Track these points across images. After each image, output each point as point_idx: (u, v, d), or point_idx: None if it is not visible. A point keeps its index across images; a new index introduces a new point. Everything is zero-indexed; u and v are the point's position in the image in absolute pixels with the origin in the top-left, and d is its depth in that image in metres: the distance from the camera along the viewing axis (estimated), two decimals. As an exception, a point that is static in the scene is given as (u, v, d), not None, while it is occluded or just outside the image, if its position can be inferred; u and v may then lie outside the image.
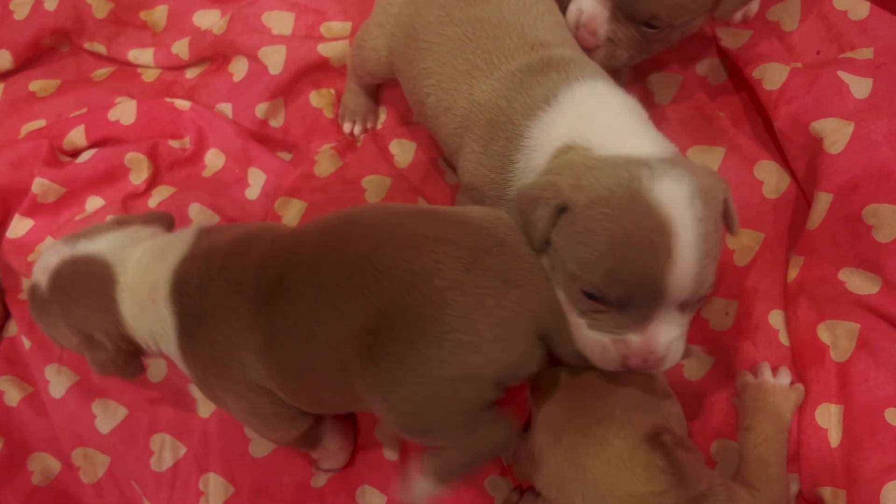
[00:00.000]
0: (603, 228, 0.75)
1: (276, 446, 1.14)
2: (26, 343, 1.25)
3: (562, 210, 0.78)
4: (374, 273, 0.80)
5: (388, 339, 0.80)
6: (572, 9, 1.04)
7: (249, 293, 0.87)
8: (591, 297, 0.77)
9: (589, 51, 1.03)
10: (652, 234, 0.73)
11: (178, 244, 0.94)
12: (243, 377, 0.91)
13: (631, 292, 0.76)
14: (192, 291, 0.90)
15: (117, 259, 0.95)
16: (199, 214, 1.29)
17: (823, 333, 1.04)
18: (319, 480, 1.13)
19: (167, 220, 1.05)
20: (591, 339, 0.80)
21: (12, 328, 1.30)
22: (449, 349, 0.78)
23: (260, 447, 1.15)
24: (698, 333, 1.12)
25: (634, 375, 0.84)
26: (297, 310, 0.85)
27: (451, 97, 0.99)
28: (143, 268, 0.93)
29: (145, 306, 0.92)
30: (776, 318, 1.10)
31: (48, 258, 0.97)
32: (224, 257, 0.90)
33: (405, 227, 0.84)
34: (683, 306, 0.78)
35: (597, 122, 0.87)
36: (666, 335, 0.78)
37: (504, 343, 0.80)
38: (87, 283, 0.94)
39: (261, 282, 0.87)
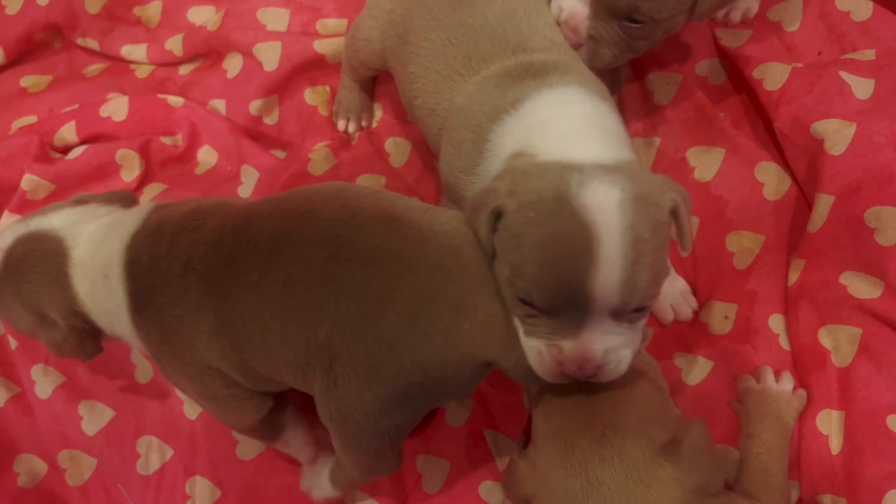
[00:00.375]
0: (530, 234, 0.75)
1: (264, 448, 1.12)
2: (13, 343, 1.23)
3: (498, 215, 0.79)
4: (333, 287, 0.80)
5: (341, 367, 0.81)
6: (553, 7, 1.02)
7: (199, 272, 0.85)
8: (524, 302, 0.77)
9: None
10: (575, 239, 0.73)
11: (130, 219, 0.92)
12: (193, 358, 0.89)
13: (557, 298, 0.75)
14: (143, 268, 0.88)
15: (70, 234, 0.93)
16: None
17: (824, 338, 1.04)
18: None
19: (129, 199, 1.04)
20: (528, 344, 0.80)
21: (-1, 327, 1.29)
22: (394, 389, 0.81)
23: (247, 449, 1.13)
24: (697, 337, 1.11)
25: (645, 384, 0.82)
26: (251, 299, 0.83)
27: (434, 100, 1.01)
28: (95, 242, 0.92)
29: (98, 282, 0.91)
30: (776, 323, 1.09)
31: (3, 238, 0.95)
32: (174, 233, 0.88)
33: (366, 234, 0.81)
34: (619, 315, 0.77)
35: (548, 128, 0.86)
36: (601, 343, 0.77)
37: (448, 382, 0.82)
38: (38, 258, 0.92)
39: (211, 262, 0.85)
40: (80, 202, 1.00)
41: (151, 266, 0.87)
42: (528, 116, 0.89)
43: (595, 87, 0.94)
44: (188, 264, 0.86)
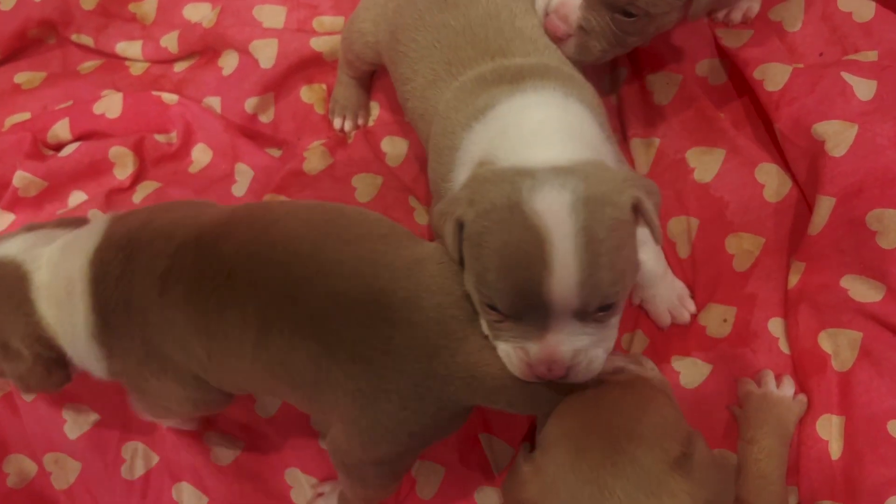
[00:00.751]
0: (487, 242, 0.77)
1: (238, 453, 1.13)
2: None
3: (462, 225, 0.81)
4: (328, 381, 0.82)
5: (342, 432, 0.86)
6: (539, 1, 1.01)
7: (175, 288, 0.85)
8: (490, 308, 0.79)
9: (559, 41, 1.00)
10: (527, 245, 0.74)
11: (90, 235, 0.91)
12: (174, 370, 0.90)
13: (518, 304, 0.77)
14: (111, 283, 0.87)
15: (29, 258, 0.92)
16: None
17: (825, 342, 1.03)
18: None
19: (81, 223, 1.02)
20: (498, 348, 0.82)
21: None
22: (395, 451, 0.86)
23: (221, 455, 1.13)
24: (695, 340, 1.11)
25: (661, 398, 0.82)
26: (244, 365, 0.86)
27: (423, 105, 1.02)
28: (56, 263, 0.91)
29: (63, 303, 0.89)
30: (776, 326, 1.09)
31: None
32: (145, 247, 0.87)
33: (355, 328, 0.81)
34: (584, 316, 0.77)
35: (509, 135, 0.87)
36: (568, 345, 0.78)
37: (445, 429, 0.87)
38: None
39: (182, 277, 0.85)
40: (33, 228, 0.98)
41: (123, 281, 0.87)
42: (493, 123, 0.90)
43: (575, 90, 0.93)
44: (164, 279, 0.85)
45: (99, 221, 0.93)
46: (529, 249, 0.74)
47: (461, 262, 0.83)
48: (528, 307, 0.76)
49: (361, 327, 0.81)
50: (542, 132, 0.86)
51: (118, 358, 0.90)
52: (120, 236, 0.89)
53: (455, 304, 0.83)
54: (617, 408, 0.78)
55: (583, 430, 0.77)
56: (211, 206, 0.95)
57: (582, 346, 0.79)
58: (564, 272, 0.74)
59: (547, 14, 0.99)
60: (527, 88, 0.91)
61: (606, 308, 0.78)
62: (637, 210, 0.80)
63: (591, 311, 0.77)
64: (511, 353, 0.80)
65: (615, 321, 0.83)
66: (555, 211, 0.75)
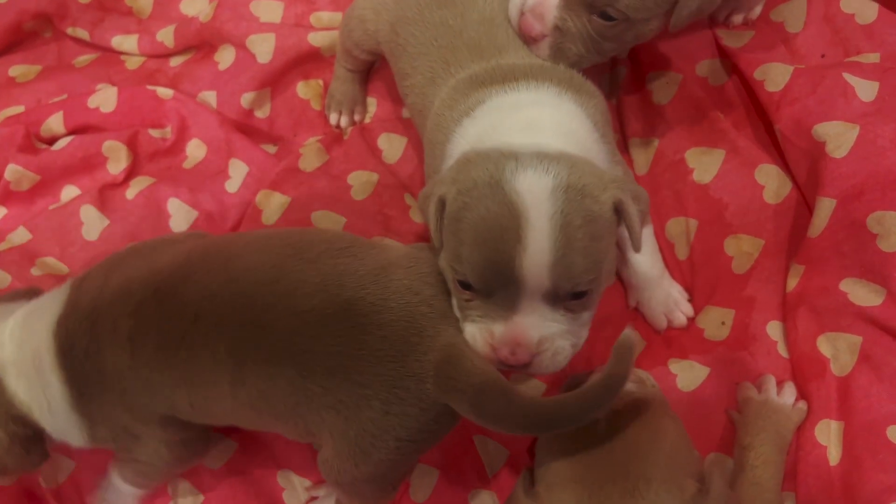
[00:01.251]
0: (465, 218, 0.79)
1: (231, 454, 1.12)
2: None
3: (443, 204, 0.82)
4: (307, 401, 0.83)
5: (330, 451, 0.87)
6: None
7: (145, 347, 0.85)
8: (463, 286, 0.81)
9: (533, 42, 0.97)
10: (504, 220, 0.76)
11: (50, 305, 0.90)
12: (160, 423, 0.91)
13: (489, 277, 0.78)
14: (80, 354, 0.87)
15: None
16: (178, 210, 1.28)
17: (824, 346, 1.03)
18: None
19: (34, 293, 1.01)
20: (465, 330, 0.83)
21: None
22: (388, 461, 0.86)
23: (214, 456, 1.12)
24: (693, 343, 1.10)
25: (668, 424, 0.81)
26: (224, 406, 0.87)
27: (421, 102, 1.03)
28: (19, 339, 0.90)
29: (33, 379, 0.89)
30: (774, 329, 1.09)
31: None
32: (107, 311, 0.87)
33: (326, 343, 0.82)
34: (554, 301, 0.79)
35: (499, 127, 0.88)
36: (536, 329, 0.79)
37: (435, 432, 0.87)
38: None
39: (150, 333, 0.85)
40: None
41: (92, 351, 0.86)
42: (484, 118, 0.91)
43: (570, 91, 0.94)
44: (133, 343, 0.85)
45: (58, 291, 0.93)
46: (506, 224, 0.76)
47: (441, 243, 0.84)
48: (499, 283, 0.78)
49: (332, 338, 0.82)
50: (532, 127, 0.87)
51: (101, 425, 0.91)
52: (81, 304, 0.88)
53: (424, 303, 0.84)
54: (627, 445, 0.77)
55: (597, 475, 0.75)
56: (164, 248, 0.94)
57: (549, 334, 0.80)
58: (538, 249, 0.76)
59: (522, 13, 0.96)
60: (520, 87, 0.93)
61: (579, 296, 0.79)
62: (618, 211, 0.81)
63: (563, 296, 0.79)
64: (477, 334, 0.81)
65: (587, 317, 0.84)
66: (535, 192, 0.77)
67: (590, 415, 0.76)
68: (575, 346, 0.83)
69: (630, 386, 0.86)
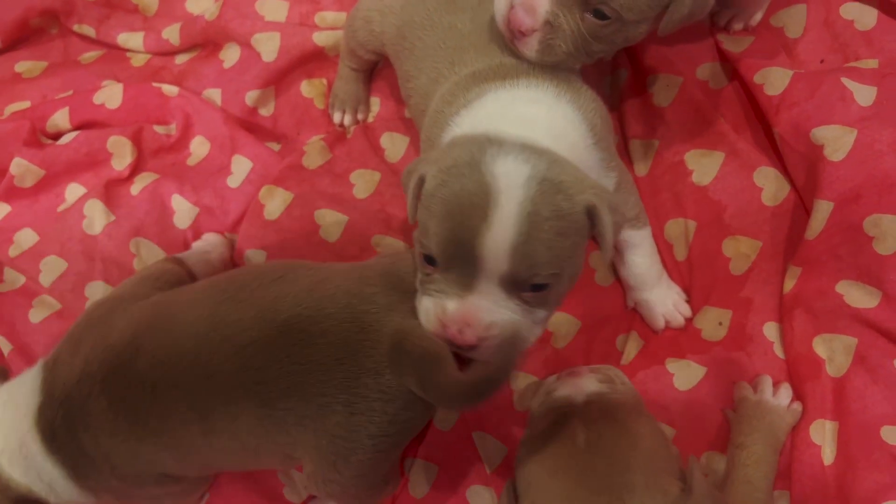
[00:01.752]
0: (440, 193, 0.81)
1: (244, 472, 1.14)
2: (5, 348, 1.24)
3: (422, 181, 0.84)
4: (273, 426, 0.86)
5: (311, 464, 0.89)
6: None
7: (119, 422, 0.88)
8: (426, 259, 0.82)
9: (520, 38, 0.94)
10: (474, 197, 0.78)
11: (28, 393, 0.92)
12: (154, 481, 0.94)
13: (451, 252, 0.79)
14: (63, 438, 0.89)
15: None
16: (181, 206, 1.29)
17: (819, 347, 1.04)
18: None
19: (3, 375, 1.02)
20: (420, 304, 0.84)
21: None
22: (368, 460, 0.87)
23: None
24: (690, 343, 1.11)
25: (646, 426, 0.81)
26: (202, 452, 0.90)
27: (424, 102, 1.03)
28: (3, 430, 0.91)
29: (26, 464, 0.91)
30: (771, 330, 1.09)
31: None
32: (76, 394, 0.89)
33: (276, 367, 0.84)
34: (511, 287, 0.79)
35: (492, 120, 0.89)
36: (487, 312, 0.79)
37: (410, 421, 0.88)
38: None
39: (120, 408, 0.88)
40: None
41: (72, 435, 0.89)
42: (479, 110, 0.92)
43: (569, 93, 0.94)
44: (109, 420, 0.88)
45: (31, 374, 0.94)
46: (476, 202, 0.77)
47: (415, 219, 0.85)
48: (460, 258, 0.79)
49: (279, 362, 0.84)
50: (525, 122, 0.88)
51: (103, 493, 0.93)
52: (55, 391, 0.90)
53: (365, 301, 0.85)
54: (607, 455, 0.77)
55: (582, 491, 0.75)
56: (117, 316, 0.94)
57: (500, 320, 0.80)
58: (501, 231, 0.76)
59: (512, 6, 0.92)
60: (520, 83, 0.93)
61: (537, 289, 0.80)
62: (591, 216, 0.81)
63: (520, 285, 0.79)
64: (430, 308, 0.82)
65: (542, 315, 0.84)
66: (510, 177, 0.78)
67: (498, 383, 0.77)
68: (525, 341, 0.83)
69: (601, 387, 0.87)
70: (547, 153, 0.82)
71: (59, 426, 0.89)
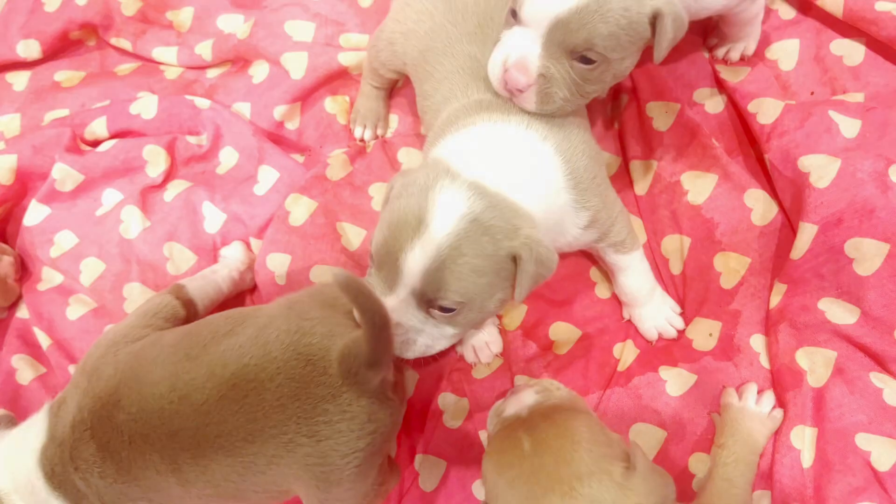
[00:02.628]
0: (393, 204, 0.90)
1: None
2: (44, 342, 1.27)
3: (391, 188, 0.93)
4: (243, 467, 0.89)
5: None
6: (495, 58, 0.97)
7: (108, 466, 0.91)
8: (371, 256, 0.91)
9: (519, 95, 0.97)
10: (412, 217, 0.86)
11: (35, 435, 0.96)
12: None
13: (382, 255, 0.88)
14: (62, 476, 0.92)
15: None
16: (211, 213, 1.33)
17: (802, 359, 1.07)
18: None
19: (7, 420, 1.06)
20: None
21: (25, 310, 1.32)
22: (350, 472, 0.90)
23: None
24: (682, 352, 1.14)
25: (581, 418, 0.85)
26: (154, 477, 0.91)
27: (435, 119, 1.08)
28: (11, 469, 0.95)
29: (33, 501, 0.94)
30: (757, 342, 1.12)
31: None
32: (69, 438, 0.93)
33: (194, 391, 0.87)
34: (420, 301, 0.88)
35: (472, 149, 0.94)
36: (397, 313, 0.88)
37: (379, 428, 0.91)
38: None
39: (108, 455, 0.91)
40: None
41: (70, 476, 0.92)
42: (465, 136, 0.97)
43: (557, 138, 0.97)
44: (98, 465, 0.91)
45: (38, 418, 0.98)
46: (412, 222, 0.86)
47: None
48: (387, 263, 0.88)
49: (235, 413, 0.87)
50: (496, 161, 0.93)
51: None
52: (56, 433, 0.94)
53: (307, 334, 0.89)
54: (552, 453, 0.80)
55: (537, 489, 0.78)
56: (106, 364, 0.97)
57: (406, 323, 0.89)
58: (421, 252, 0.85)
59: (506, 70, 0.96)
60: (511, 121, 0.97)
61: (444, 310, 0.88)
62: (514, 261, 0.88)
63: (429, 302, 0.88)
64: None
65: (450, 332, 0.92)
66: (446, 210, 0.86)
67: (385, 344, 0.84)
68: (428, 347, 0.93)
69: (538, 397, 0.91)
70: (490, 196, 0.88)
71: (58, 465, 0.92)
